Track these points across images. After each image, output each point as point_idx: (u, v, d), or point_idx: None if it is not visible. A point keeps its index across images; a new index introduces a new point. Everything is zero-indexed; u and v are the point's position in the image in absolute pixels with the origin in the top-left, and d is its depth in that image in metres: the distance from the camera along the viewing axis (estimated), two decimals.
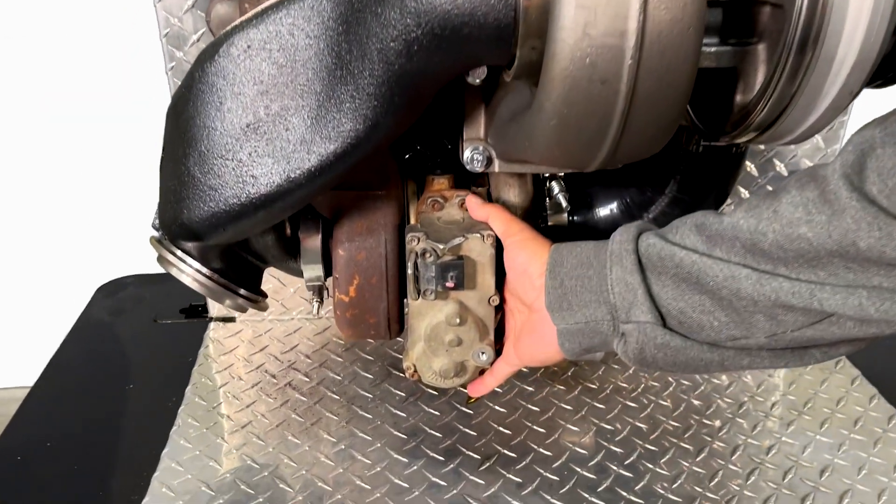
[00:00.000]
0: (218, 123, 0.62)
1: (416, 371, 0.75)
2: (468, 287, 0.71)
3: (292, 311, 1.10)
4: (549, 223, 0.82)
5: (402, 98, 0.59)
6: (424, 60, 0.55)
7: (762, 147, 1.02)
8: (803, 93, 0.50)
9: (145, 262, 1.28)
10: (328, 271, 0.81)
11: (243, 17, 0.62)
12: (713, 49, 0.55)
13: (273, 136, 0.61)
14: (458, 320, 0.71)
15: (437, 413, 0.91)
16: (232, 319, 1.10)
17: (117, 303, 1.22)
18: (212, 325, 1.10)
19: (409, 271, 0.70)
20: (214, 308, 1.11)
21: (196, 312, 1.15)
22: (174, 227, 0.68)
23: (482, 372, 0.76)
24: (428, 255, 0.69)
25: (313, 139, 0.61)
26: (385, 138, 0.61)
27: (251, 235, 0.77)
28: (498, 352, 0.74)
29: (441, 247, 0.69)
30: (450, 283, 0.69)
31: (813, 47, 0.49)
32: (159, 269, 1.19)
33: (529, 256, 0.66)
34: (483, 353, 0.73)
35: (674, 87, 0.49)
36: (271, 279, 1.08)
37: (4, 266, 1.62)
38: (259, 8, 0.61)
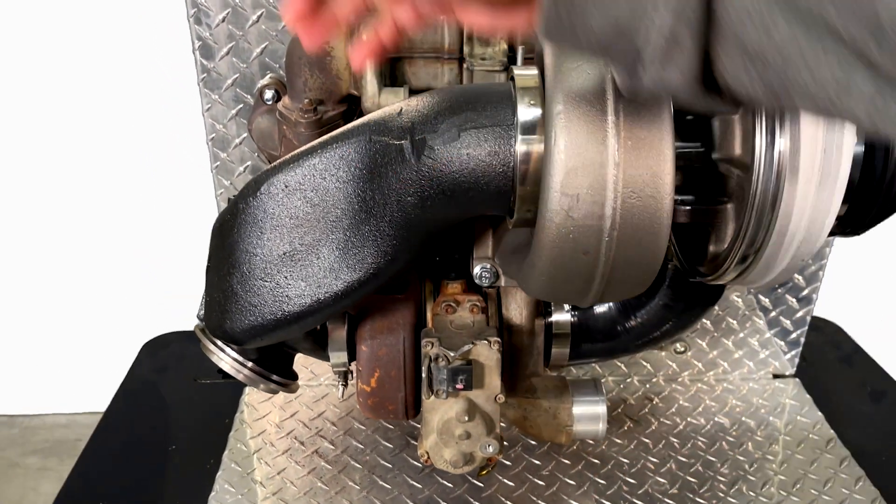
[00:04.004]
0: (258, 250, 0.72)
1: (429, 458, 0.84)
2: (476, 387, 0.79)
3: (320, 377, 1.19)
4: (552, 319, 0.90)
5: (417, 238, 0.67)
6: (435, 211, 0.64)
7: None
8: (761, 258, 0.58)
9: (187, 319, 1.41)
10: (352, 357, 0.90)
11: (282, 160, 0.71)
12: (688, 208, 0.63)
13: (306, 264, 0.71)
14: (466, 418, 0.79)
15: (450, 485, 0.99)
16: None
17: (161, 361, 1.32)
18: (247, 388, 1.19)
19: (424, 375, 0.78)
20: None
21: None
22: (218, 332, 0.77)
23: (489, 461, 0.84)
24: (440, 359, 0.78)
25: (340, 268, 0.70)
26: (402, 269, 0.70)
27: None
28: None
29: (452, 354, 0.77)
30: (459, 385, 0.78)
31: (771, 211, 0.57)
32: None
33: None
34: (490, 445, 0.81)
35: (648, 252, 0.57)
36: None
37: (61, 319, 1.77)
38: (296, 152, 0.71)
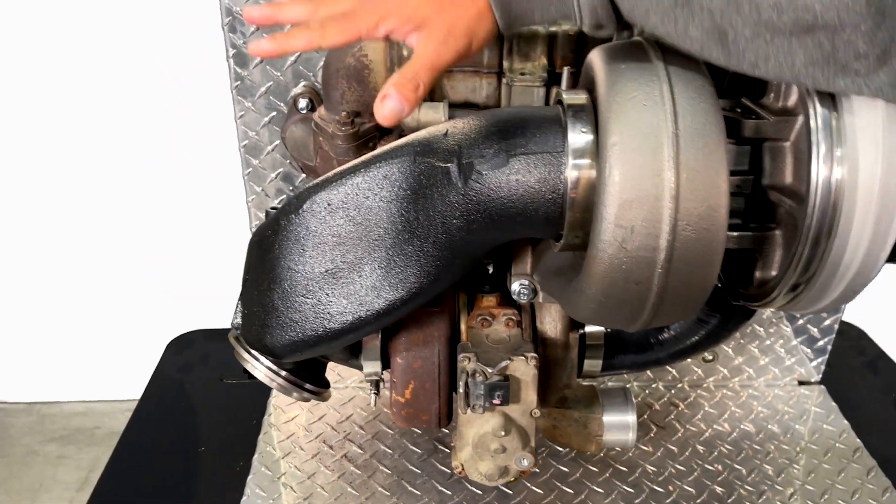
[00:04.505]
0: (300, 267, 0.72)
1: (463, 469, 0.84)
2: (512, 401, 0.80)
3: (346, 379, 1.20)
4: (585, 330, 0.90)
5: (461, 259, 0.68)
6: (481, 234, 0.64)
7: None
8: (814, 287, 0.58)
9: (212, 316, 1.43)
10: (385, 366, 0.91)
11: (324, 178, 0.71)
12: (735, 234, 0.63)
13: (348, 281, 0.71)
14: (503, 432, 0.80)
15: (479, 492, 1.00)
16: None
17: (186, 359, 1.33)
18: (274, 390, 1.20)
19: (461, 390, 0.79)
20: None
21: None
22: (258, 345, 0.77)
23: (522, 473, 0.84)
24: (478, 375, 0.78)
25: (382, 286, 0.70)
26: (445, 288, 0.70)
27: None
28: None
29: (489, 370, 0.77)
30: (496, 401, 0.78)
31: (826, 241, 0.57)
32: (223, 326, 1.33)
33: None
34: (524, 459, 0.81)
35: (699, 282, 0.57)
36: None
37: (78, 306, 1.79)
38: (338, 170, 0.71)
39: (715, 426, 1.12)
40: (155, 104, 1.51)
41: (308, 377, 0.90)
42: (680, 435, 1.11)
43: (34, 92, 1.54)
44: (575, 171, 0.58)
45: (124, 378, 1.92)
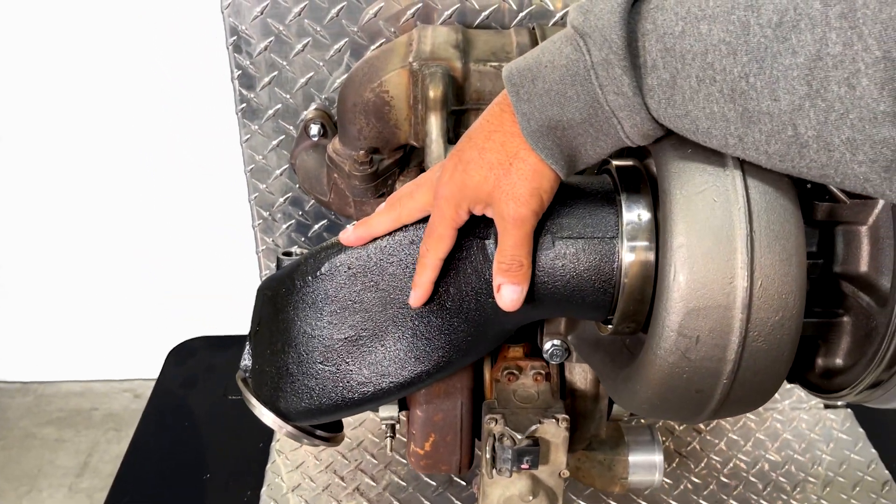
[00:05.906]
0: (317, 332, 0.66)
1: None
2: (541, 464, 0.75)
3: None
4: None
5: (493, 335, 0.62)
6: (519, 315, 0.58)
7: None
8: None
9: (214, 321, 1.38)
10: (402, 409, 0.86)
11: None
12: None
13: (369, 350, 0.65)
14: (531, 496, 0.75)
15: None
16: None
17: (188, 371, 1.28)
18: None
19: (487, 455, 0.74)
20: None
21: None
22: (270, 406, 0.72)
23: None
24: (505, 439, 0.73)
25: (407, 358, 0.64)
26: (474, 360, 0.65)
27: None
28: None
29: (519, 437, 0.72)
30: (525, 466, 0.74)
31: None
32: (226, 332, 1.28)
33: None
34: None
35: (765, 387, 0.52)
36: None
37: (74, 285, 1.75)
38: None
39: (740, 455, 1.09)
40: (167, 111, 1.46)
41: (319, 424, 0.86)
42: (703, 465, 1.07)
43: (69, 99, 1.50)
44: (630, 256, 0.52)
45: (121, 357, 1.87)
